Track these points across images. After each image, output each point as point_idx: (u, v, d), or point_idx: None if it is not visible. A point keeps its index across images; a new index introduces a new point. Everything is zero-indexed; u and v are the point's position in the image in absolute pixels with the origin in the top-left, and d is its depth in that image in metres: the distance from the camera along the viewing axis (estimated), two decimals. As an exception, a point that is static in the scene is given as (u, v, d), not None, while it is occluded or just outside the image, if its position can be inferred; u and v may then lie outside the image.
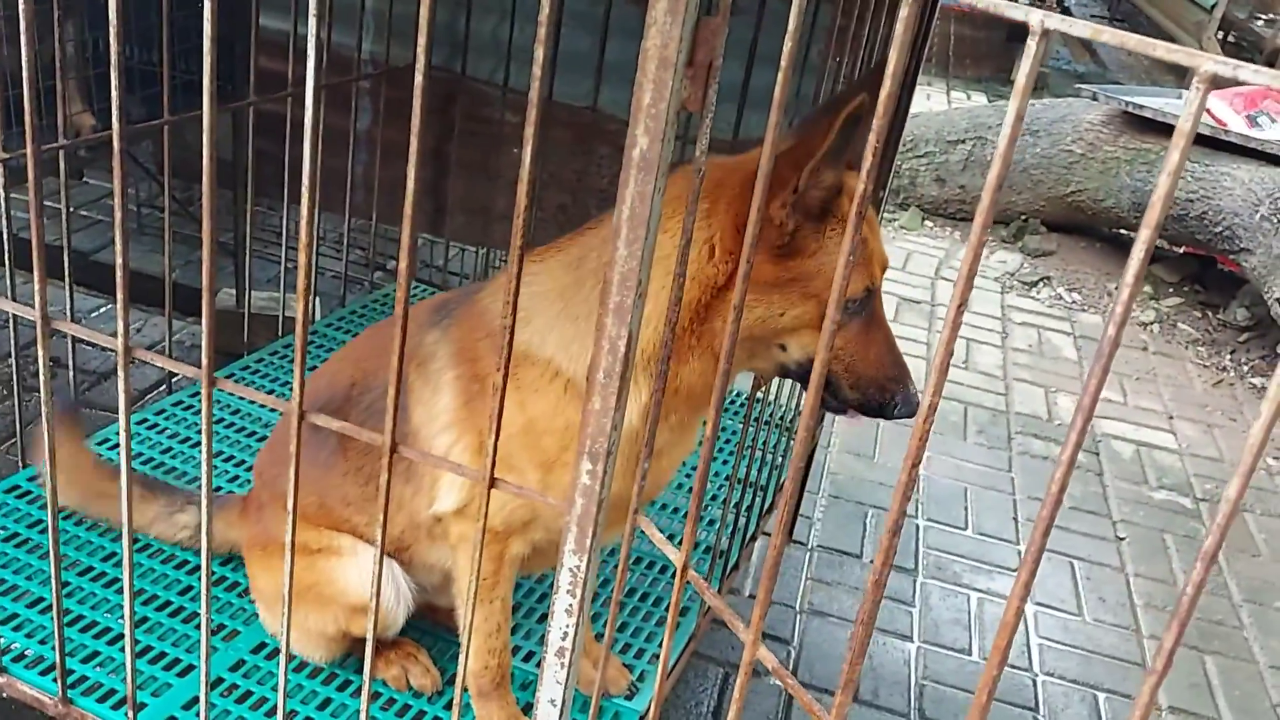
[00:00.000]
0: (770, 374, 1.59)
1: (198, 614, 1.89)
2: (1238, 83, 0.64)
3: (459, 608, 1.77)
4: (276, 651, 1.81)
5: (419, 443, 1.67)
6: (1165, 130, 5.55)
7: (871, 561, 3.23)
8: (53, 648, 1.63)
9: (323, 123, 2.86)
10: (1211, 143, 5.36)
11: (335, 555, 1.79)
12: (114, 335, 1.27)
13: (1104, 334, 0.68)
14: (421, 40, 0.99)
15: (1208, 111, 5.37)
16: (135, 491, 2.01)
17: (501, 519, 1.61)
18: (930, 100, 8.51)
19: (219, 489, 2.31)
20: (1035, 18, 0.69)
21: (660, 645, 1.59)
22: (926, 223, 6.14)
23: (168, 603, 1.98)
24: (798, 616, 2.96)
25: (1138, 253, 0.66)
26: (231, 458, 2.43)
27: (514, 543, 1.66)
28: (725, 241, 1.41)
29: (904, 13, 0.78)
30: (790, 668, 2.78)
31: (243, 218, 3.08)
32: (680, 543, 1.15)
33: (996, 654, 0.81)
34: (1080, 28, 0.68)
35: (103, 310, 3.61)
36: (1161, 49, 0.65)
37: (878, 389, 1.48)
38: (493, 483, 1.17)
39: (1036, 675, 2.91)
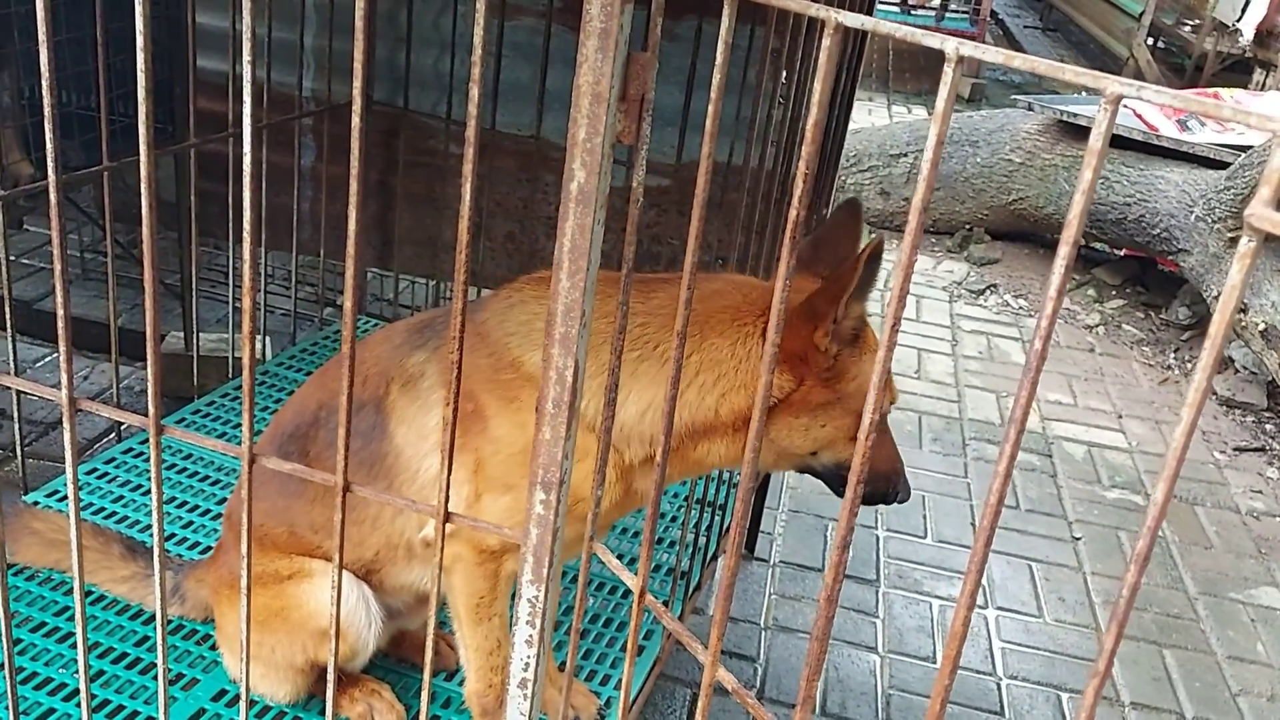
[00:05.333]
0: (790, 469, 1.78)
1: (155, 664, 1.86)
2: (1144, 101, 0.67)
3: (456, 629, 1.77)
4: (238, 699, 1.79)
5: (401, 463, 1.68)
6: (1100, 136, 5.68)
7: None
8: (6, 707, 1.60)
9: (266, 161, 2.85)
10: (1145, 148, 5.49)
11: (306, 579, 1.77)
12: (58, 386, 1.25)
13: (1030, 348, 0.70)
14: (356, 84, 1.00)
15: (1140, 118, 5.50)
16: (116, 551, 1.99)
17: (496, 538, 1.61)
18: (872, 115, 8.64)
19: (171, 536, 2.28)
20: (950, 45, 0.72)
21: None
22: (873, 235, 6.21)
23: (124, 654, 1.95)
24: (763, 633, 2.98)
25: (1058, 269, 0.68)
26: (185, 503, 2.40)
27: (508, 560, 1.66)
28: (782, 365, 1.55)
29: (825, 43, 0.80)
30: (757, 684, 2.79)
31: (189, 259, 3.06)
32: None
33: (947, 664, 0.83)
34: (992, 54, 0.71)
35: (48, 359, 3.56)
36: (1070, 72, 0.68)
37: (883, 481, 1.72)
38: (447, 517, 1.17)
39: (1000, 679, 2.94)
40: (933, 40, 0.74)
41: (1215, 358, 0.62)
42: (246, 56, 1.04)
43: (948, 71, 0.72)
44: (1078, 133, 5.79)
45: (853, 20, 0.80)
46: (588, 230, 1.01)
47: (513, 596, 1.44)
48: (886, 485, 1.72)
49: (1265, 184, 0.58)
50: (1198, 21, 9.60)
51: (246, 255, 1.11)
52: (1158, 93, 0.64)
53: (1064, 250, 0.67)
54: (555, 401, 1.09)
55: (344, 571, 1.76)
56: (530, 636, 1.19)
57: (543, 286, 1.67)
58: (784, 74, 2.24)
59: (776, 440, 1.61)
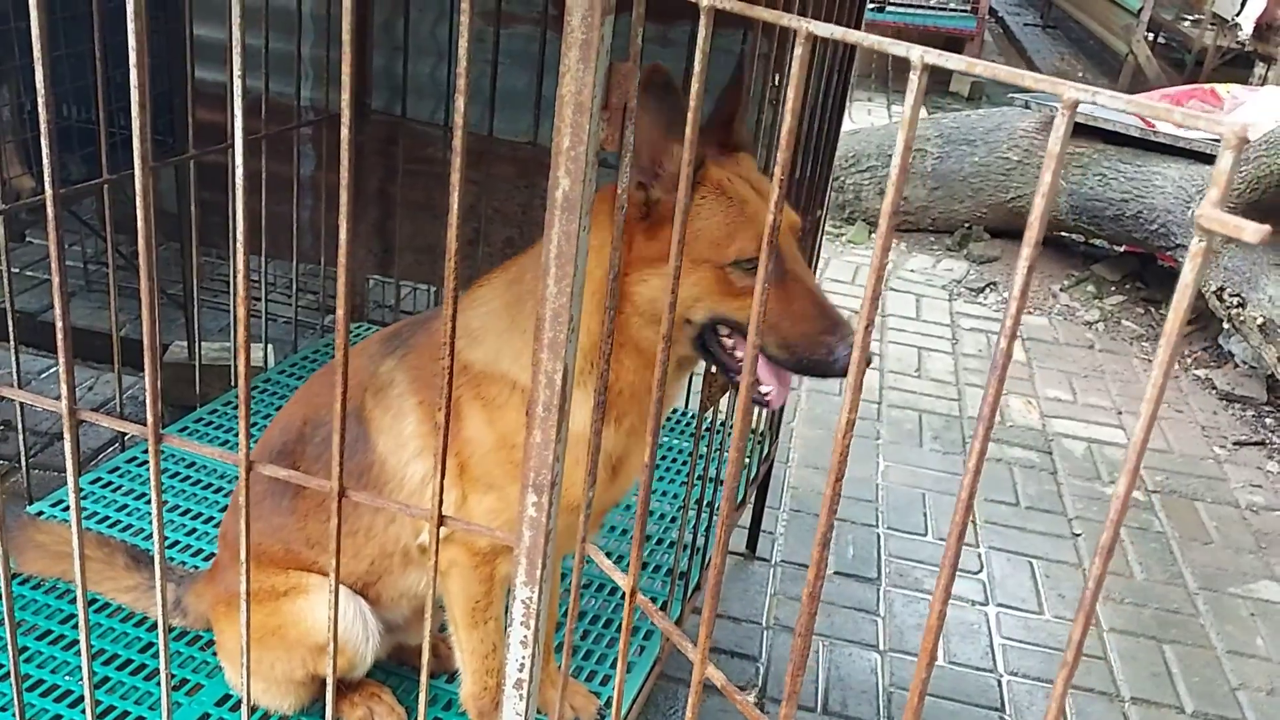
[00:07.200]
0: (692, 357, 1.61)
1: (159, 670, 1.88)
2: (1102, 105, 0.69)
3: (453, 633, 1.79)
4: (241, 703, 1.81)
5: (386, 471, 1.70)
6: (1096, 134, 5.70)
7: (835, 574, 3.26)
8: (12, 714, 1.62)
9: (266, 170, 2.88)
10: (1141, 144, 5.51)
11: (302, 594, 1.79)
12: (60, 398, 1.28)
13: (995, 346, 0.72)
14: (345, 95, 1.02)
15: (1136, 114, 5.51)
16: (120, 561, 2.01)
17: (487, 540, 1.63)
18: (871, 115, 8.66)
19: (175, 544, 2.30)
20: (915, 54, 0.74)
21: (626, 670, 1.61)
22: (873, 235, 6.23)
23: (128, 661, 1.97)
24: (764, 632, 2.99)
25: (1021, 269, 0.70)
26: (189, 511, 2.42)
27: (502, 563, 1.69)
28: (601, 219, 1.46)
29: (798, 52, 0.82)
30: (760, 684, 2.80)
31: (190, 269, 3.09)
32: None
33: (924, 655, 0.85)
34: (955, 61, 0.73)
35: (53, 370, 3.59)
36: (1029, 79, 0.70)
37: (808, 345, 1.46)
38: (441, 520, 1.20)
39: (1001, 675, 2.95)
40: (898, 49, 0.76)
41: (1171, 355, 0.64)
42: (237, 66, 1.06)
43: (913, 79, 0.74)
44: (1074, 130, 5.80)
45: (823, 30, 0.82)
46: (573, 237, 1.03)
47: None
48: (814, 350, 1.45)
49: (1214, 185, 0.60)
50: (1197, 16, 9.61)
51: (240, 263, 1.13)
52: (1112, 98, 0.66)
53: (1026, 251, 0.69)
54: (545, 405, 1.11)
55: (340, 584, 1.80)
56: (525, 637, 1.21)
57: (481, 289, 1.69)
58: (775, 78, 2.26)
59: (639, 303, 1.50)
